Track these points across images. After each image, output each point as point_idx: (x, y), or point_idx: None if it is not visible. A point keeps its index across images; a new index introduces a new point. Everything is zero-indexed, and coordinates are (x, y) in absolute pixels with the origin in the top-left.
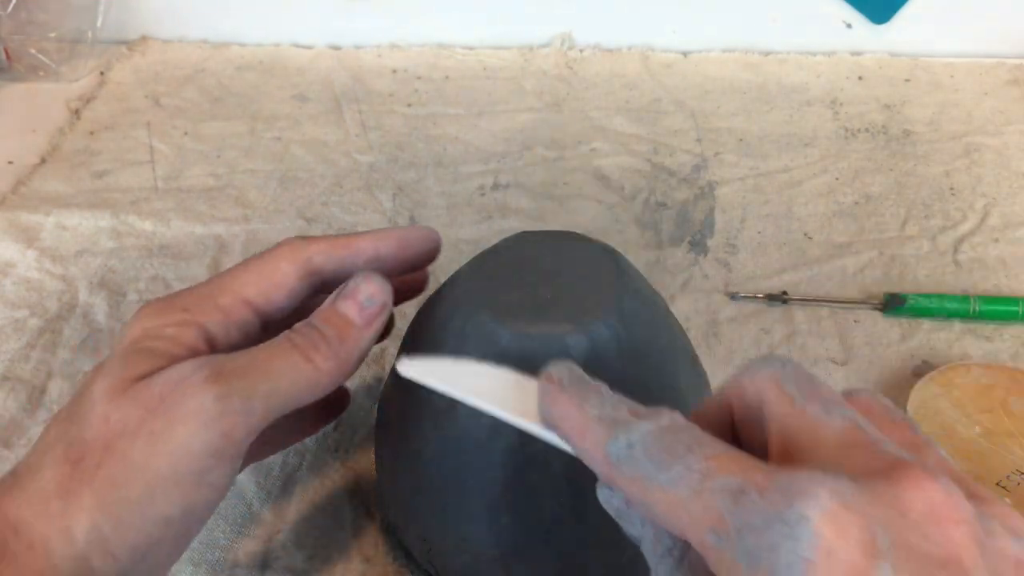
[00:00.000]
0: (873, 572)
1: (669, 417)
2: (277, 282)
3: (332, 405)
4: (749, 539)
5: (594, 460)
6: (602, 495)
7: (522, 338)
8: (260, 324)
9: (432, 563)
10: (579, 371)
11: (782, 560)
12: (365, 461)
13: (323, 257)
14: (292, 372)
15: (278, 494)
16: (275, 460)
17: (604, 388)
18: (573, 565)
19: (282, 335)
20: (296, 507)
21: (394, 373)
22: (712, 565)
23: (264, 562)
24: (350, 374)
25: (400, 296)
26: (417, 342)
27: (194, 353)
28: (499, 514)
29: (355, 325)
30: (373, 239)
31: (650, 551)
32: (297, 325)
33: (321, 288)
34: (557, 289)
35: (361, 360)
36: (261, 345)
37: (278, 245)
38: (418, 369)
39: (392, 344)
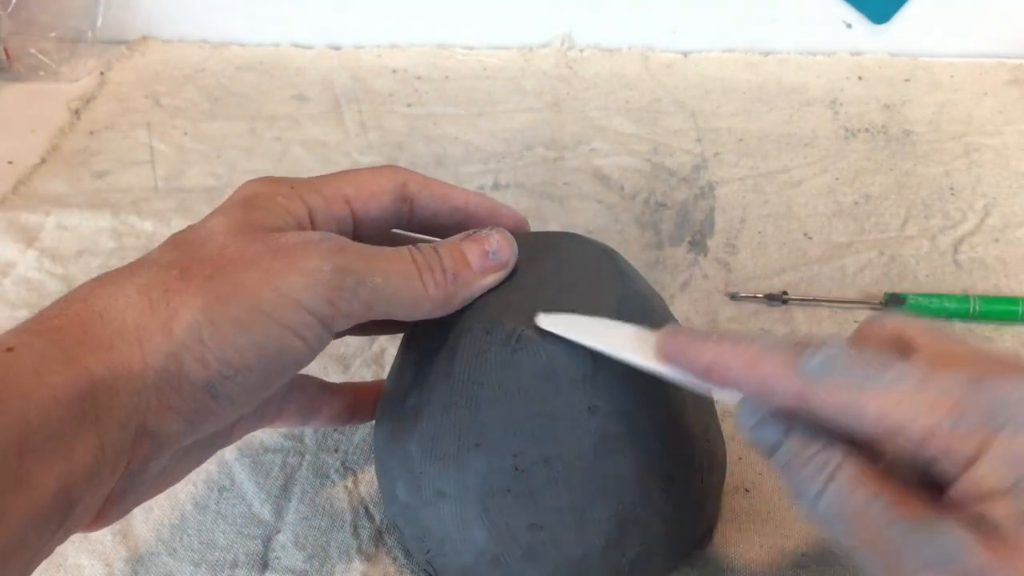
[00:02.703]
0: None
1: (839, 340)
2: (374, 191)
3: (360, 411)
4: (999, 415)
5: (777, 383)
6: (740, 415)
7: (522, 338)
8: (353, 226)
9: (431, 563)
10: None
11: None
12: (365, 461)
13: (417, 187)
14: (403, 281)
15: (278, 494)
16: (275, 460)
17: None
18: (573, 565)
19: (404, 247)
20: (296, 507)
21: (393, 374)
22: (938, 452)
23: (264, 562)
24: (448, 311)
25: None
26: (417, 342)
27: (300, 224)
28: (498, 514)
29: (472, 269)
30: (467, 193)
31: (789, 458)
32: (421, 245)
33: (407, 223)
34: (557, 290)
35: (462, 304)
36: (383, 247)
37: (377, 166)
38: (556, 324)
39: (391, 344)
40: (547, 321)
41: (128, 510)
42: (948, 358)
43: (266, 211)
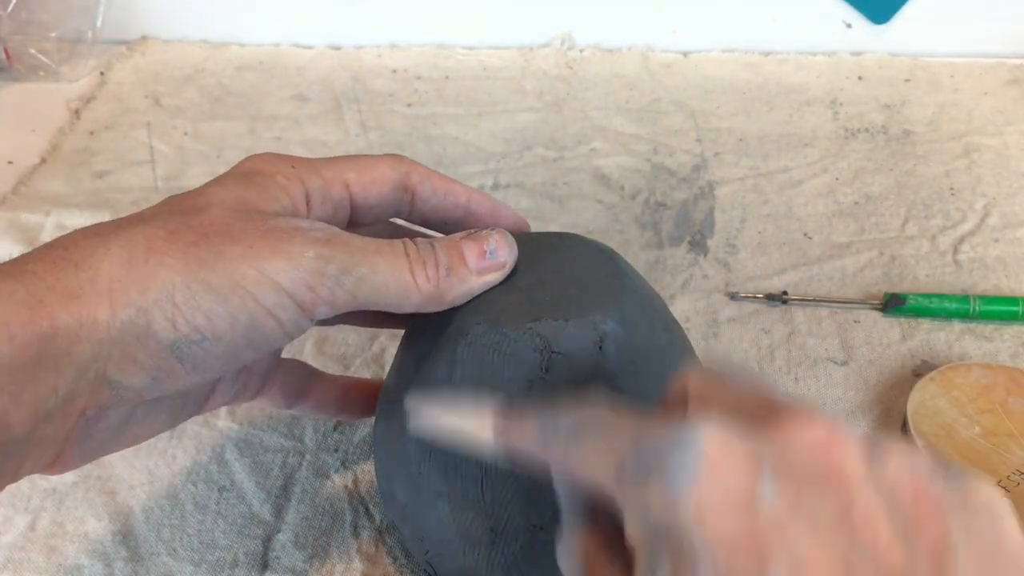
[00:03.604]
0: (755, 486)
1: (592, 404)
2: (375, 178)
3: (349, 406)
4: (643, 465)
5: (532, 449)
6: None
7: (521, 340)
8: (351, 212)
9: (431, 563)
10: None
11: (669, 475)
12: (365, 461)
13: (419, 178)
14: (391, 273)
15: (278, 494)
16: (275, 460)
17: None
18: None
19: (399, 240)
20: (296, 507)
21: (392, 373)
22: (618, 503)
23: (264, 562)
24: (441, 307)
25: None
26: (417, 342)
27: (295, 206)
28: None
29: (468, 267)
30: (469, 190)
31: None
32: (418, 239)
33: (408, 214)
34: (556, 290)
35: (456, 302)
36: (376, 238)
37: (382, 155)
38: (423, 416)
39: (391, 344)
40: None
41: (91, 458)
42: (702, 404)
43: (263, 189)
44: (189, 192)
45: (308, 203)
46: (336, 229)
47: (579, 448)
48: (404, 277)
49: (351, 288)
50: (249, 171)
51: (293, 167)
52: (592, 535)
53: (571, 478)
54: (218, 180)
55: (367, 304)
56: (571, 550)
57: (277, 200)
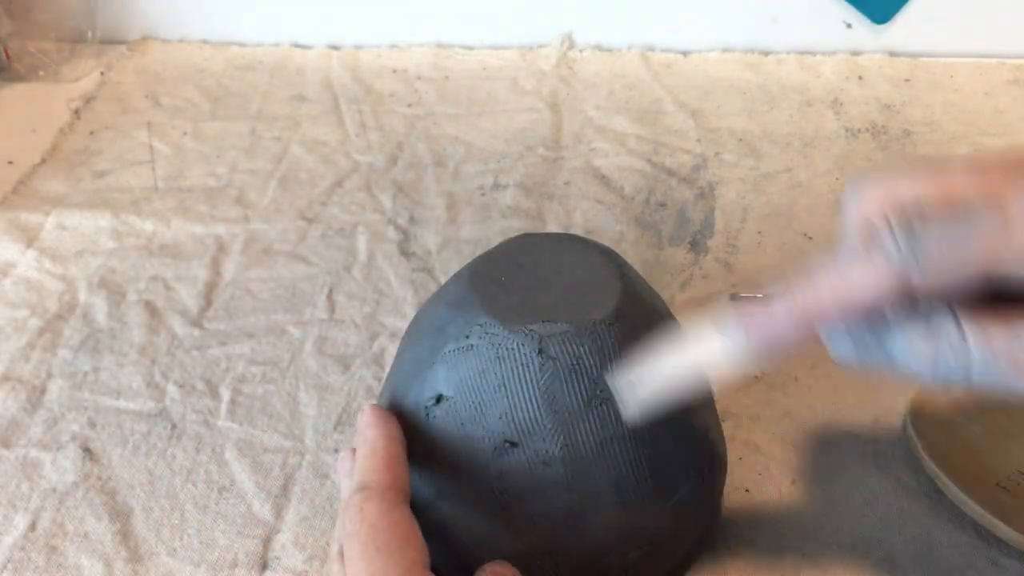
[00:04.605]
0: None
1: (915, 214)
2: None
3: None
4: None
5: (877, 290)
6: (839, 349)
7: (521, 341)
8: None
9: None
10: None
11: None
12: None
13: None
14: None
15: (278, 494)
16: (275, 460)
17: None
18: (575, 566)
19: None
20: (296, 507)
21: (392, 374)
22: None
23: (264, 562)
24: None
25: None
26: (417, 343)
27: None
28: (498, 515)
29: None
30: None
31: (905, 351)
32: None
33: None
34: (557, 291)
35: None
36: None
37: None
38: (634, 396)
39: (391, 344)
40: (623, 383)
41: None
42: (957, 199)
43: None
44: None
45: None
46: None
47: (978, 246)
48: None
49: None
50: None
51: None
52: (982, 312)
53: (952, 280)
54: None
55: None
56: (992, 343)
57: None
